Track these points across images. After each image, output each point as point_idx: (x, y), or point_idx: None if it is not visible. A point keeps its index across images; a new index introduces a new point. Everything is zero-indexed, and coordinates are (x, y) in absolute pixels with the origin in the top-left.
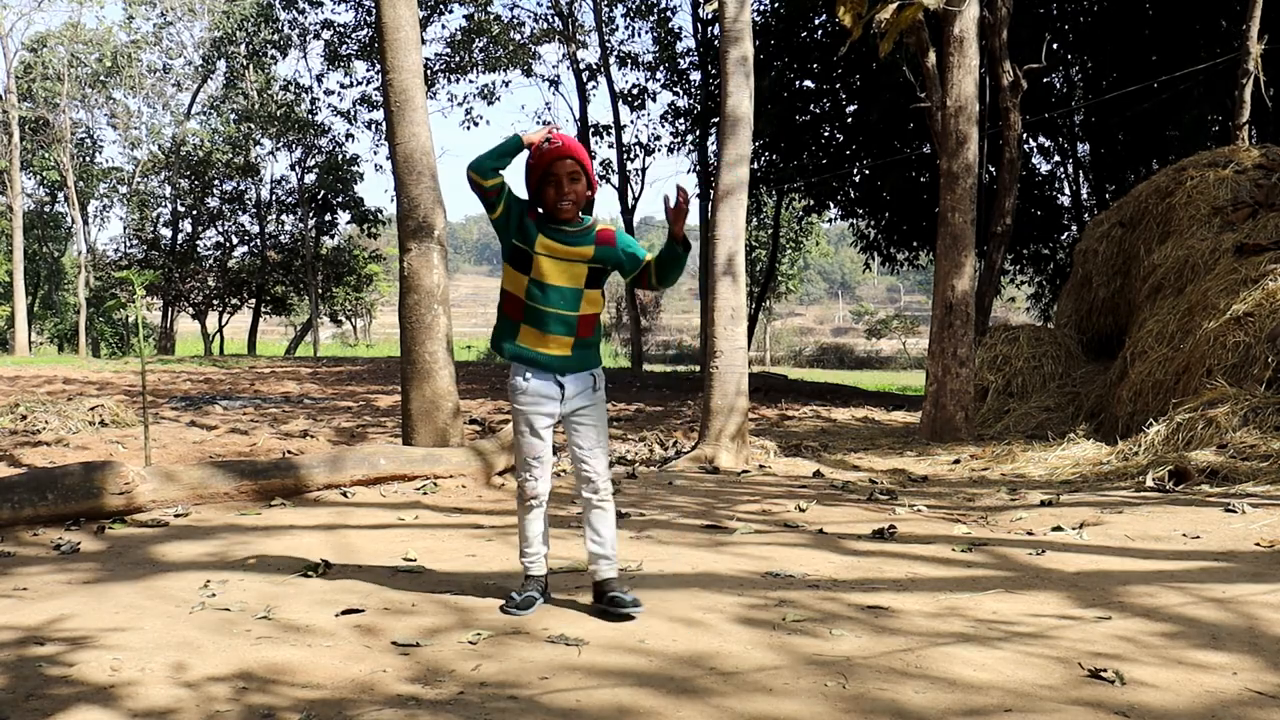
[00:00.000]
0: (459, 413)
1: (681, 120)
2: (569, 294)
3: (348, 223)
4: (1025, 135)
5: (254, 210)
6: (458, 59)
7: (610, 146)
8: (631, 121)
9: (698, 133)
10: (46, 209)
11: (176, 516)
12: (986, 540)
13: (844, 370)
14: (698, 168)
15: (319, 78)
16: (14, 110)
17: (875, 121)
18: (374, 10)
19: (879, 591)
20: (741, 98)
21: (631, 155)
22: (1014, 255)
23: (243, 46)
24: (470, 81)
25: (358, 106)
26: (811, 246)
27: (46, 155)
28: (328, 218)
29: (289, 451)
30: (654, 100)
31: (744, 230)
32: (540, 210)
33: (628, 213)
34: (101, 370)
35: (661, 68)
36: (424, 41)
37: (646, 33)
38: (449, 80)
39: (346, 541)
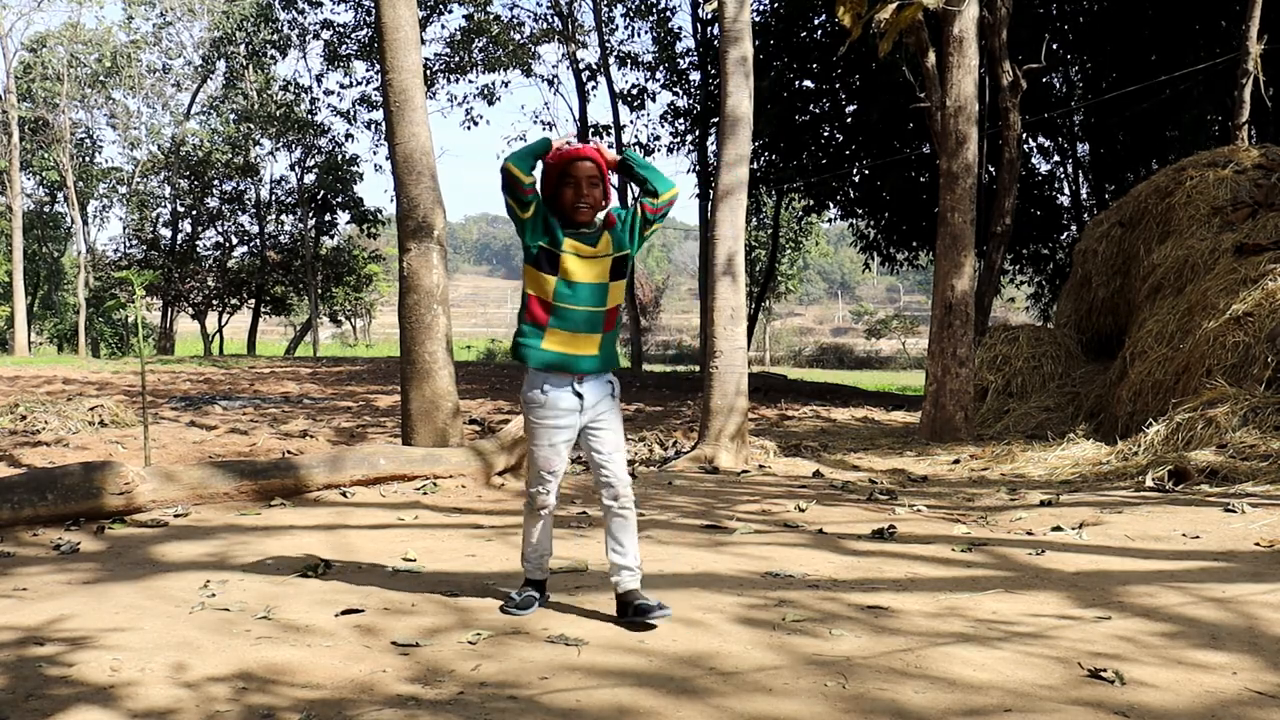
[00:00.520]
0: (459, 413)
1: (681, 120)
2: (597, 289)
3: (347, 223)
4: (1025, 135)
5: (254, 210)
6: (457, 59)
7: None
8: (631, 121)
9: (697, 133)
10: (46, 209)
11: (176, 517)
12: (986, 540)
13: (844, 370)
14: (698, 168)
15: (319, 78)
16: (14, 110)
17: (875, 121)
18: (373, 10)
19: (879, 591)
20: (741, 98)
21: None
22: (1014, 255)
23: (242, 46)
24: (470, 81)
25: (357, 106)
26: (811, 246)
27: (46, 155)
28: (327, 218)
29: (289, 451)
30: (654, 100)
31: (744, 230)
32: (560, 218)
33: None
34: (101, 370)
35: (661, 68)
36: (424, 41)
37: (646, 33)
38: (449, 80)
39: (346, 541)
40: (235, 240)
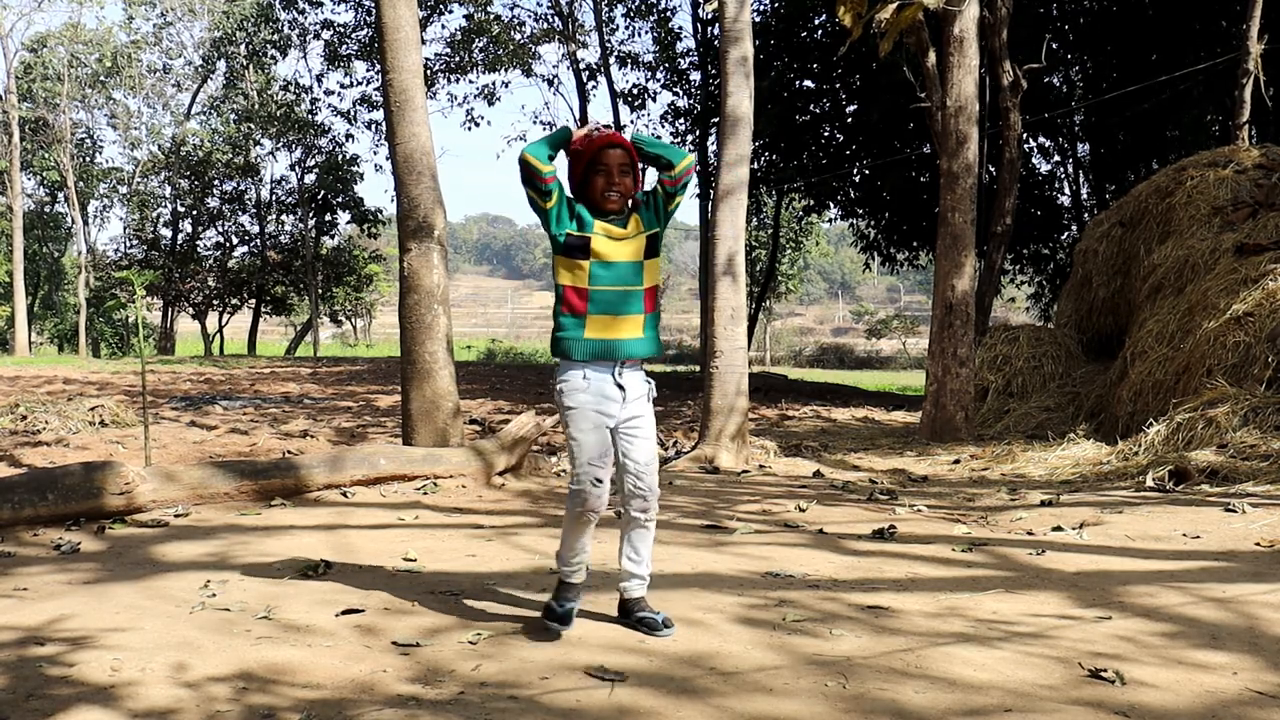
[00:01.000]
0: (459, 413)
1: (681, 120)
2: (633, 268)
3: (348, 223)
4: (1025, 135)
5: (254, 210)
6: (458, 59)
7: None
8: (632, 121)
9: (698, 133)
10: (46, 209)
11: (177, 517)
12: (986, 540)
13: (844, 370)
14: (698, 168)
15: (319, 78)
16: (14, 110)
17: (875, 121)
18: (374, 10)
19: (879, 591)
20: (741, 98)
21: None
22: (1014, 255)
23: (242, 46)
24: (470, 81)
25: (358, 106)
26: (811, 246)
27: (46, 155)
28: (328, 218)
29: (289, 451)
30: (654, 100)
31: (744, 230)
32: (583, 202)
33: None
34: (101, 370)
35: (661, 68)
36: (424, 41)
37: (646, 33)
38: (449, 80)
39: (346, 541)
40: (236, 240)
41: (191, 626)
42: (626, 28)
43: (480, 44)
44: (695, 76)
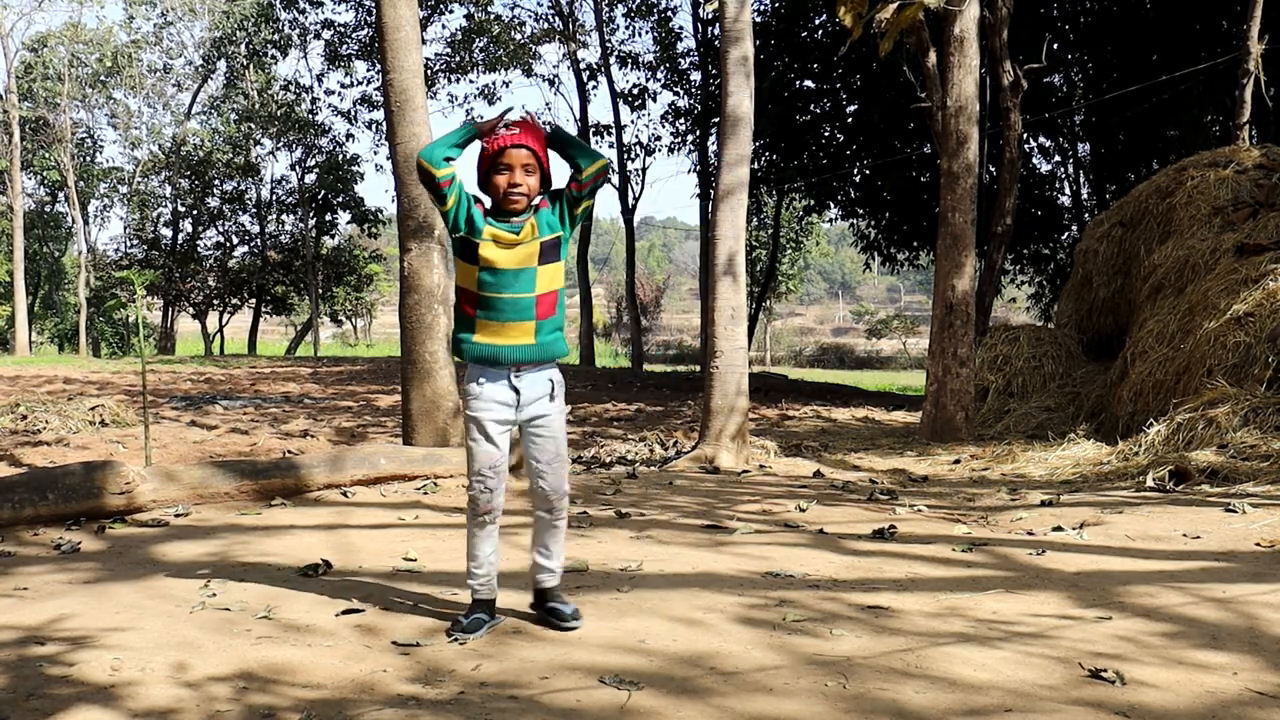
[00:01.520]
0: (459, 412)
1: (682, 120)
2: (524, 275)
3: (348, 223)
4: (1025, 135)
5: (254, 210)
6: (458, 59)
7: (611, 146)
8: (632, 121)
9: (698, 133)
10: (47, 209)
11: (177, 516)
12: (987, 540)
13: (844, 370)
14: (698, 168)
15: (319, 77)
16: (14, 110)
17: (876, 121)
18: (374, 10)
19: (879, 591)
20: (742, 98)
21: (632, 155)
22: (1014, 255)
23: (243, 46)
24: (470, 81)
25: (358, 106)
26: (812, 246)
27: (47, 155)
28: (328, 218)
29: (289, 451)
30: (654, 100)
31: (744, 230)
32: (488, 202)
33: (628, 213)
34: (102, 370)
35: (662, 68)
36: (424, 41)
37: (647, 33)
38: (449, 80)
39: (347, 541)
40: (236, 240)
41: (192, 626)
42: (627, 28)
43: (480, 44)
44: (696, 76)
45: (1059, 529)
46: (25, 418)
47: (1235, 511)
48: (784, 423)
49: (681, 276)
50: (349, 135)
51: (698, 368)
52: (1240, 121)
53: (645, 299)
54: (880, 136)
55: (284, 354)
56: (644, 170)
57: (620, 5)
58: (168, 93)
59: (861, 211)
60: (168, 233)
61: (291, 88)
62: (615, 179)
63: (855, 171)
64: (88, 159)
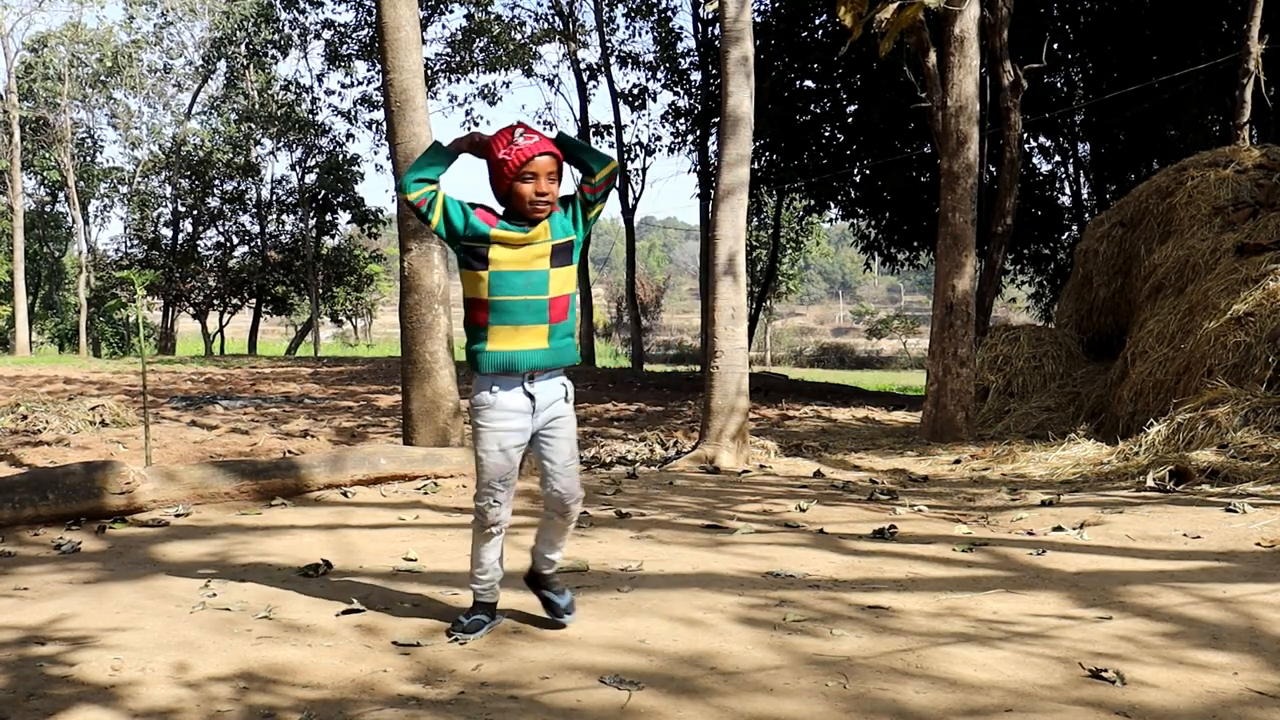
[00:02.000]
0: (459, 412)
1: (682, 120)
2: (535, 277)
3: (348, 223)
4: (1026, 135)
5: (254, 210)
6: (458, 59)
7: (611, 146)
8: (632, 121)
9: (698, 133)
10: (47, 209)
11: (177, 516)
12: (987, 540)
13: (844, 370)
14: (699, 168)
15: (319, 77)
16: (15, 110)
17: (876, 121)
18: (374, 10)
19: (879, 591)
20: (742, 98)
21: (632, 155)
22: (1014, 255)
23: (243, 46)
24: (471, 81)
25: (358, 106)
26: (812, 246)
27: (47, 155)
28: (328, 218)
29: (289, 451)
30: (654, 100)
31: (744, 230)
32: (500, 211)
33: (628, 212)
34: (102, 370)
35: (662, 68)
36: (424, 41)
37: (647, 33)
38: (449, 80)
39: (347, 541)
40: (236, 240)
41: (192, 626)
42: (627, 28)
43: (481, 44)
44: (696, 76)
45: (1059, 529)
46: (25, 418)
47: (1235, 511)
48: (784, 423)
49: (681, 276)
50: (349, 135)
51: (698, 368)
52: (1240, 121)
53: (645, 299)
54: (880, 136)
55: (284, 354)
56: (644, 170)
57: (620, 5)
58: (168, 93)
59: (862, 211)
60: (168, 233)
61: (292, 88)
62: (616, 179)
63: (855, 171)
64: (88, 159)
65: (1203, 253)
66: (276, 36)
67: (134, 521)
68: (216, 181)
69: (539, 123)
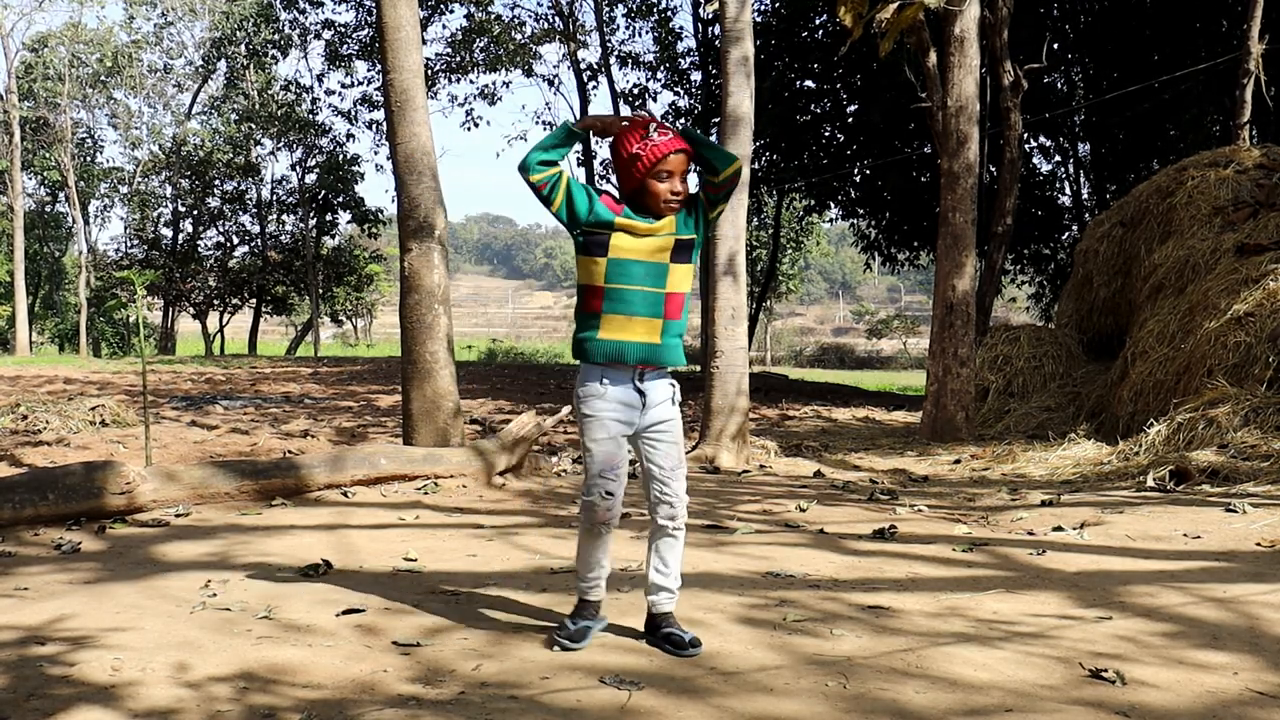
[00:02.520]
0: (460, 413)
1: (683, 120)
2: (655, 269)
3: (348, 223)
4: (1026, 135)
5: (254, 210)
6: (458, 59)
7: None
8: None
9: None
10: (47, 209)
11: (177, 516)
12: (987, 540)
13: (845, 370)
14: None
15: (319, 78)
16: (15, 110)
17: (876, 121)
18: (375, 10)
19: (880, 591)
20: (742, 98)
21: None
22: (1015, 255)
23: (243, 46)
24: (471, 81)
25: (358, 106)
26: (812, 246)
27: (47, 155)
28: (328, 218)
29: (290, 451)
30: (655, 100)
31: (745, 230)
32: (629, 203)
33: None
34: (102, 370)
35: (662, 68)
36: (424, 41)
37: (647, 32)
38: (449, 80)
39: (347, 541)
40: (236, 240)
41: (192, 626)
42: (627, 27)
43: (481, 44)
44: (696, 76)
45: (1059, 529)
46: (26, 418)
47: (1236, 511)
48: (784, 423)
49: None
50: (349, 135)
51: (698, 368)
52: (1240, 121)
53: None
54: (881, 136)
55: (284, 354)
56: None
57: (620, 5)
58: (168, 93)
59: (862, 211)
60: (168, 233)
61: (292, 88)
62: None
63: (855, 171)
64: (88, 159)
65: (1203, 253)
66: (276, 36)
67: (134, 521)
68: (217, 181)
69: (539, 123)
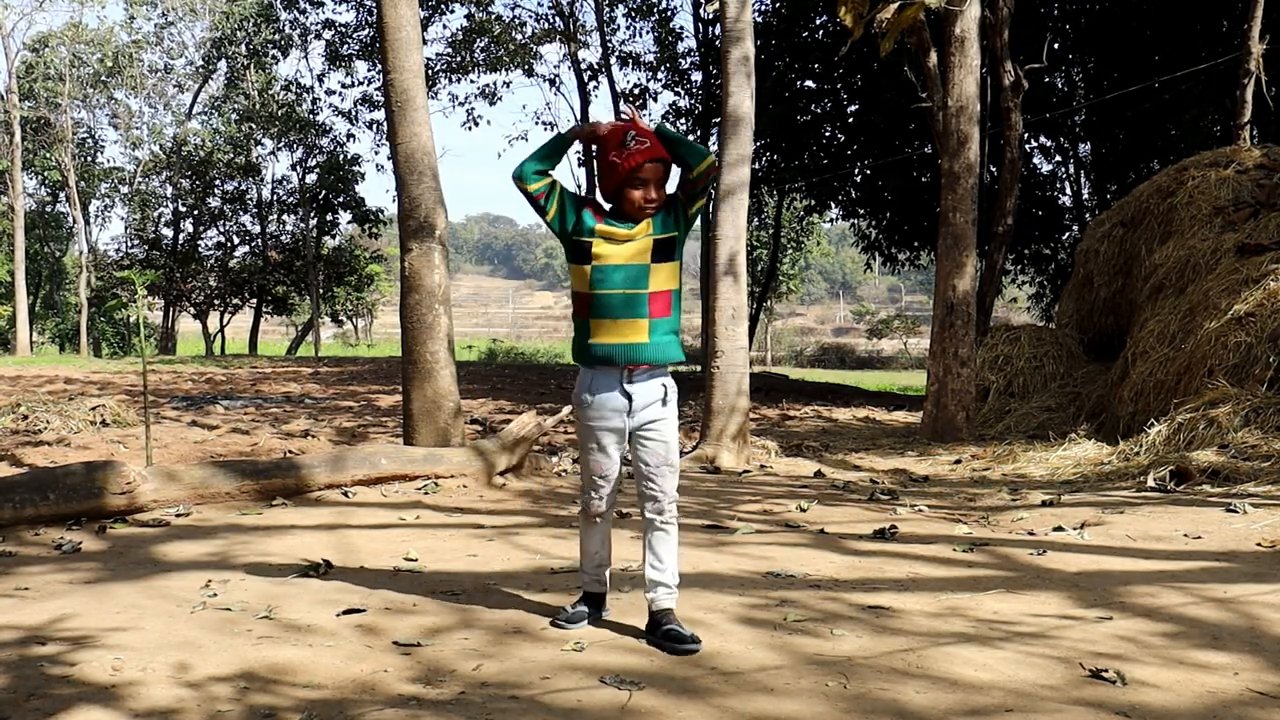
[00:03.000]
0: (460, 413)
1: (683, 120)
2: (635, 271)
3: (349, 223)
4: (1026, 135)
5: (255, 210)
6: (459, 59)
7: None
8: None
9: (699, 133)
10: (48, 209)
11: (178, 516)
12: (987, 540)
13: (845, 370)
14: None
15: (320, 78)
16: (16, 110)
17: (876, 121)
18: (375, 10)
19: (880, 591)
20: (743, 98)
21: None
22: (1015, 255)
23: (243, 46)
24: (471, 81)
25: (359, 106)
26: (813, 246)
27: (48, 155)
28: (329, 218)
29: (290, 451)
30: (655, 100)
31: (745, 230)
32: (605, 207)
33: None
34: (103, 370)
35: (663, 68)
36: (425, 41)
37: (648, 32)
38: (450, 80)
39: (348, 541)
40: (237, 240)
41: (193, 626)
42: (628, 28)
43: (481, 44)
44: (697, 76)
45: (1060, 529)
46: (26, 418)
47: (1236, 511)
48: (785, 423)
49: (683, 276)
50: (350, 135)
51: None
52: (1241, 121)
53: None
54: (881, 136)
55: (285, 354)
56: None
57: (621, 5)
58: (168, 93)
59: (862, 211)
60: (168, 233)
61: (292, 88)
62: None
63: (856, 171)
64: (89, 159)
65: (1203, 253)
66: (277, 36)
67: (134, 521)
68: (217, 181)
69: (539, 123)
